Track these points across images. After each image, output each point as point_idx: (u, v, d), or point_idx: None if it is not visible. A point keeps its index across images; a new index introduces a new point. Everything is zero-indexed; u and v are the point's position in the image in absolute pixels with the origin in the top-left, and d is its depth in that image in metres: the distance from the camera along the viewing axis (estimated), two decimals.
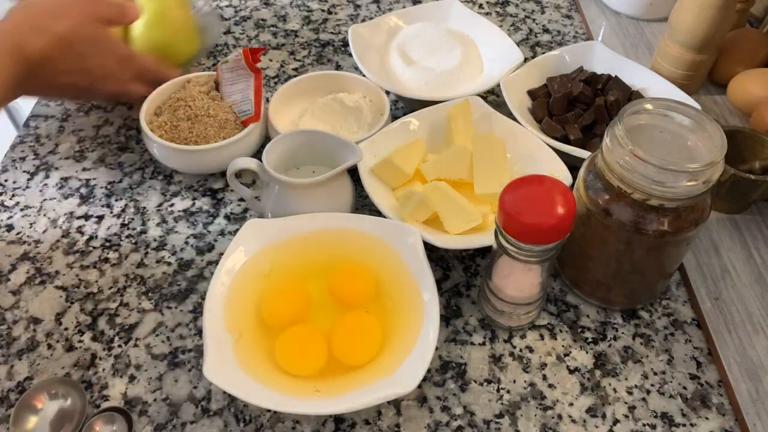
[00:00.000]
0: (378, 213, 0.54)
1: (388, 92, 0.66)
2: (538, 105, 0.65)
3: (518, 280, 0.47)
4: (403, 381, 0.42)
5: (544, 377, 0.49)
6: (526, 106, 0.66)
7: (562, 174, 0.55)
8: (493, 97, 0.73)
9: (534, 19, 0.86)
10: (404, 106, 0.71)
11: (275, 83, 0.75)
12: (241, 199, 0.62)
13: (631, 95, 0.65)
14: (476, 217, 0.53)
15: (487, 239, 0.51)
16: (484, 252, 0.58)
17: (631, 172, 0.43)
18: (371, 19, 0.83)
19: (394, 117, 0.63)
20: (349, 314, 0.49)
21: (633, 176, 0.43)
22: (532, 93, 0.67)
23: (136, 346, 0.51)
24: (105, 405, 0.48)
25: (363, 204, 0.61)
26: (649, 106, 0.46)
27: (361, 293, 0.50)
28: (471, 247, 0.53)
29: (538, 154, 0.58)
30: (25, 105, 0.76)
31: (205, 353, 0.43)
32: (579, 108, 0.64)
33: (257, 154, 0.61)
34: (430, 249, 0.51)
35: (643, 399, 0.48)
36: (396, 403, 0.48)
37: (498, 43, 0.72)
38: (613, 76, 0.66)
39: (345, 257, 0.52)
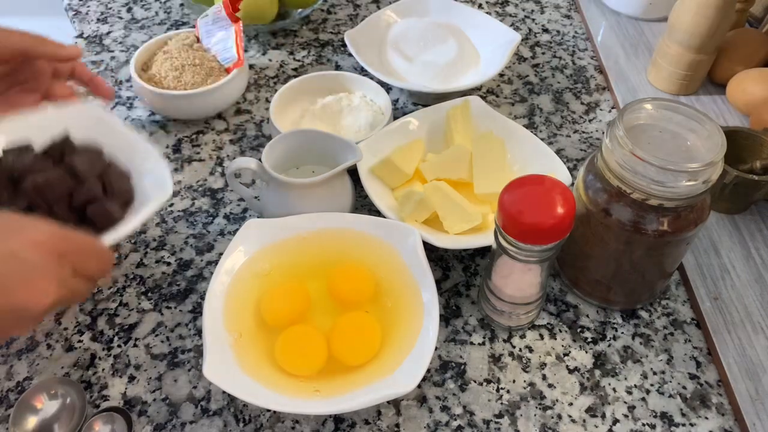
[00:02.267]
0: (378, 213, 0.54)
1: (389, 90, 0.66)
2: None
3: (518, 280, 0.47)
4: (403, 381, 0.42)
5: (544, 377, 0.49)
6: None
7: (562, 174, 0.55)
8: (492, 97, 0.73)
9: (533, 19, 0.85)
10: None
11: (275, 83, 0.75)
12: (241, 199, 0.62)
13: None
14: (476, 217, 0.53)
15: (486, 239, 0.51)
16: (484, 252, 0.58)
17: (630, 172, 0.43)
18: None
19: (394, 117, 0.63)
20: (348, 314, 0.49)
21: (632, 176, 0.43)
22: None
23: (135, 346, 0.51)
24: (104, 405, 0.48)
25: (363, 204, 0.61)
26: (648, 106, 0.46)
27: (361, 293, 0.50)
28: (471, 247, 0.53)
29: (538, 154, 0.58)
30: None
31: (204, 353, 0.43)
32: None
33: (243, 101, 0.66)
34: (430, 249, 0.51)
35: (643, 399, 0.48)
36: (396, 403, 0.48)
37: (484, 25, 0.75)
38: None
39: (345, 257, 0.52)
